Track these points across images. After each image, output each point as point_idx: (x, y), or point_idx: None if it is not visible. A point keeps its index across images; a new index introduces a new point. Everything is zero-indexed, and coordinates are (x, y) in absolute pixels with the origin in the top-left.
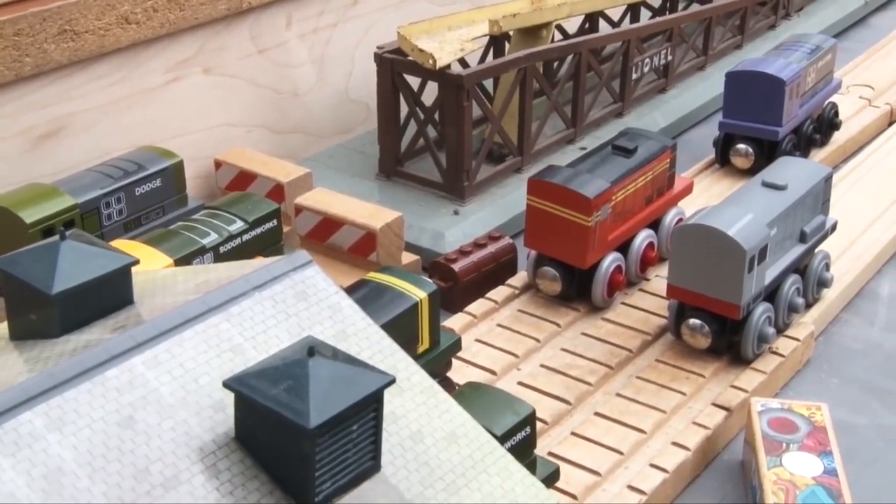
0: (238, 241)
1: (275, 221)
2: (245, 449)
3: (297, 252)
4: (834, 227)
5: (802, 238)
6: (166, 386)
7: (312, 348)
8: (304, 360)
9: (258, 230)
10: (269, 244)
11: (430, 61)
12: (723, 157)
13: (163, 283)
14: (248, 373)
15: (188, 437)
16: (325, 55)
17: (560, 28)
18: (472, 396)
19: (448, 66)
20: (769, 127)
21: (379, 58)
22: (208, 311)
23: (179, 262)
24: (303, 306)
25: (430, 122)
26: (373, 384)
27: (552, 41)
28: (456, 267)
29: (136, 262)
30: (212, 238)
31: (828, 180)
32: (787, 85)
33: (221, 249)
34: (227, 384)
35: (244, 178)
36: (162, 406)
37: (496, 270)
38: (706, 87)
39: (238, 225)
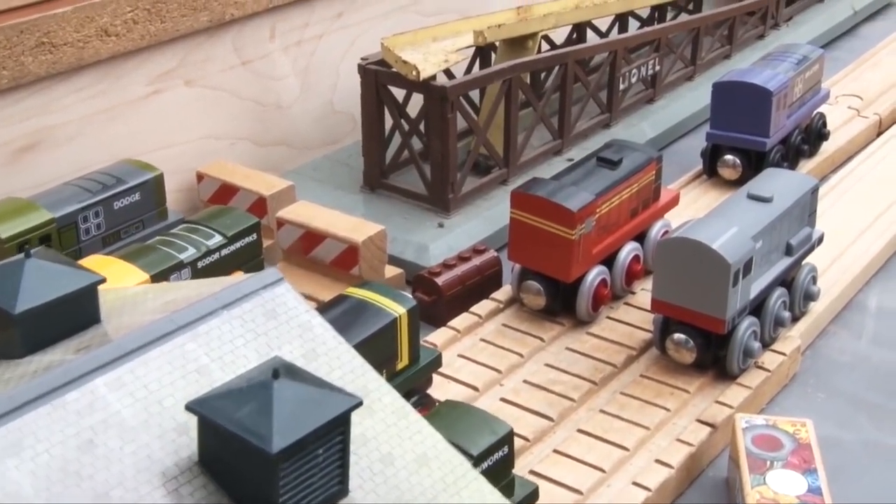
0: (216, 255)
1: (254, 236)
2: (209, 473)
3: (267, 269)
4: (821, 240)
5: (788, 251)
6: (129, 408)
7: (277, 370)
8: (268, 382)
9: (237, 245)
10: (248, 259)
11: (414, 73)
12: (710, 168)
13: (132, 301)
14: (211, 395)
15: (150, 462)
16: (309, 67)
17: (547, 38)
18: (448, 415)
19: (433, 78)
20: (756, 138)
21: (363, 69)
22: (174, 330)
23: (156, 277)
24: (272, 325)
25: (414, 134)
26: (339, 406)
27: (539, 52)
28: (440, 280)
29: (103, 280)
30: (190, 253)
31: (814, 192)
32: (774, 95)
33: (199, 265)
34: (189, 407)
35: (226, 192)
36: (124, 429)
37: (481, 284)
38: (694, 97)
39: (217, 239)
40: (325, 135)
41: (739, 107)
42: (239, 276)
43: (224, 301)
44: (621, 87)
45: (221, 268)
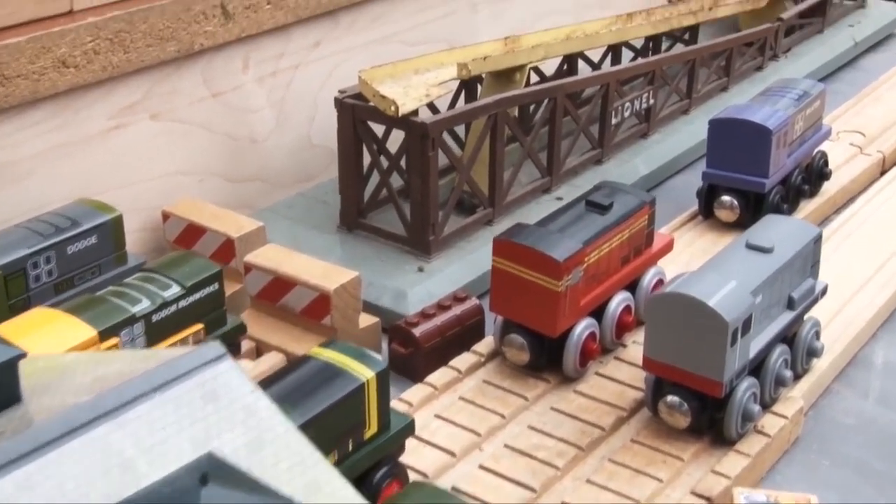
0: (174, 308)
1: (216, 285)
2: None
3: (208, 343)
4: (824, 292)
5: (790, 305)
6: None
7: (205, 475)
8: (194, 489)
9: (197, 295)
10: (209, 311)
11: (392, 108)
12: (706, 209)
13: (60, 375)
14: (129, 502)
15: None
16: (285, 98)
17: (536, 69)
18: (416, 500)
19: (414, 113)
20: (755, 178)
21: (339, 103)
22: (98, 417)
23: (105, 333)
24: (211, 410)
25: (395, 170)
26: None
27: (527, 83)
28: (417, 332)
29: (22, 356)
30: (143, 306)
31: (817, 241)
32: (773, 134)
33: (154, 318)
34: None
35: (193, 232)
36: None
37: (461, 334)
38: (690, 131)
39: (174, 290)
40: (302, 170)
41: (737, 145)
42: (177, 350)
43: (157, 381)
44: (614, 121)
45: (179, 321)
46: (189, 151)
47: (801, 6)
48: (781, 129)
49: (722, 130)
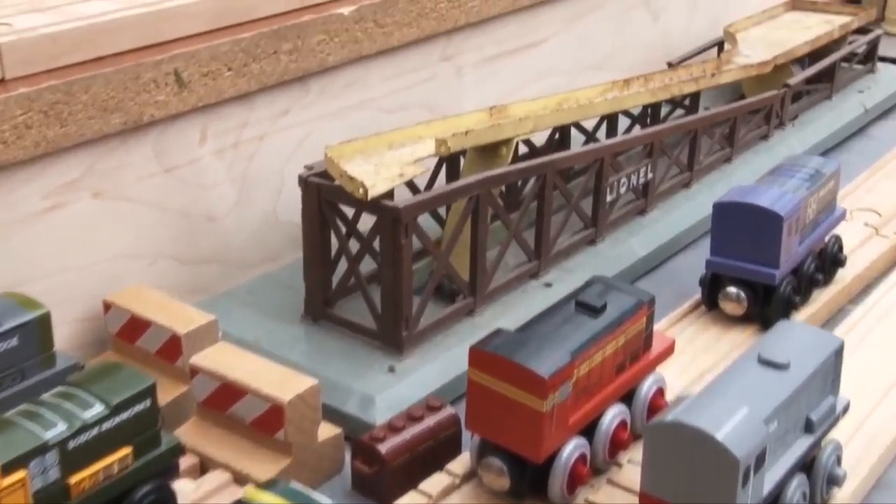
0: (95, 431)
1: (148, 402)
2: None
3: None
4: (846, 409)
5: (809, 428)
6: None
7: None
8: None
9: (124, 415)
10: (138, 432)
11: (361, 190)
12: (710, 300)
13: None
14: None
15: None
16: (247, 172)
17: (526, 139)
18: None
19: (388, 194)
20: (764, 269)
21: (304, 181)
22: None
23: (9, 466)
24: None
25: (367, 253)
26: None
27: (516, 154)
28: (383, 449)
29: None
30: (59, 430)
31: (838, 354)
32: (784, 220)
33: (71, 444)
34: None
35: (136, 325)
36: None
37: (434, 449)
38: (692, 207)
39: (96, 410)
40: (266, 249)
41: (744, 231)
42: None
43: None
44: (609, 197)
45: (102, 446)
46: (137, 232)
47: (809, 72)
48: (793, 215)
49: (727, 215)
